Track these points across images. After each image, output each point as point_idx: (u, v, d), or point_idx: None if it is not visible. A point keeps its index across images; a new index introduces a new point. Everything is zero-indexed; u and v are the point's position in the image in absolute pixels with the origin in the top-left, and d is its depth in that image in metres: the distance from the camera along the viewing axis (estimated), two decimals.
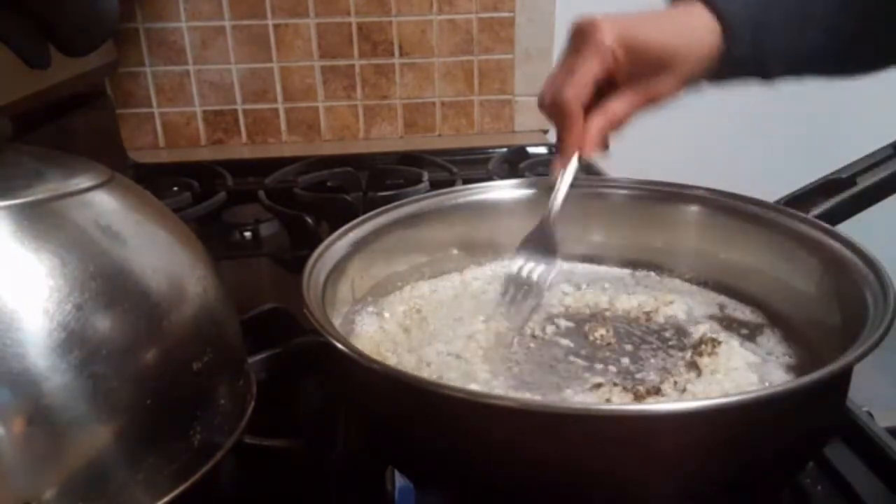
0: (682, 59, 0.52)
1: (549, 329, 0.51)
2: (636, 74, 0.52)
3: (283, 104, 1.08)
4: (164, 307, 0.35)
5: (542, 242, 0.54)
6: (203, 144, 1.09)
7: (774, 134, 1.15)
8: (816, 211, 0.53)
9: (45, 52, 0.42)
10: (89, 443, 0.31)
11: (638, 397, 0.43)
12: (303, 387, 0.50)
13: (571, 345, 0.49)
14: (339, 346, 0.38)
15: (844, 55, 0.55)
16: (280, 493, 0.42)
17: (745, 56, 0.53)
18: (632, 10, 0.53)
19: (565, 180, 0.54)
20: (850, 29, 0.53)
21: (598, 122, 0.53)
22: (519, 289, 0.54)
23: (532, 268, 0.54)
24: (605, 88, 0.53)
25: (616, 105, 0.53)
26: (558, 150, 0.55)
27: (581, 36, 0.52)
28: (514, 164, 0.95)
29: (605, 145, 0.55)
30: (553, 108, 0.53)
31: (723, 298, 0.54)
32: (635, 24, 0.52)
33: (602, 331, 0.50)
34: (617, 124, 0.54)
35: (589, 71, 0.52)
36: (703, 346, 0.47)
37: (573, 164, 0.54)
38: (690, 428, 0.34)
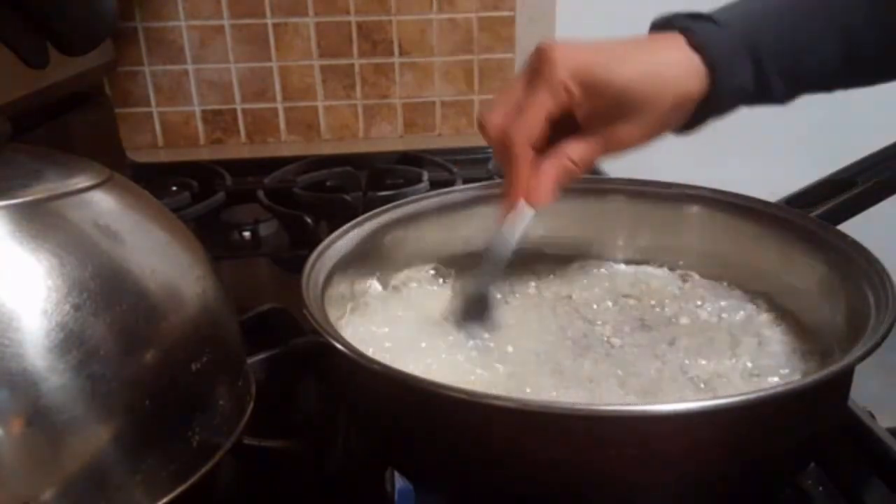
0: (653, 104, 0.43)
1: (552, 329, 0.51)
2: (597, 116, 0.44)
3: (282, 103, 1.08)
4: (162, 307, 0.34)
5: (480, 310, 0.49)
6: (202, 144, 1.09)
7: (774, 134, 1.15)
8: (817, 211, 0.53)
9: (44, 52, 0.42)
10: (88, 443, 0.31)
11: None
12: (302, 387, 0.50)
13: (575, 345, 0.49)
14: (339, 346, 0.38)
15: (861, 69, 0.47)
16: (279, 494, 0.42)
17: (744, 85, 0.45)
18: (618, 35, 0.44)
19: (514, 233, 0.46)
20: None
21: (550, 169, 0.45)
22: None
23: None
24: (566, 125, 0.45)
25: (571, 150, 0.45)
26: (503, 195, 0.46)
27: (535, 64, 0.44)
28: None
29: (556, 195, 0.46)
30: (499, 146, 0.45)
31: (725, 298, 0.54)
32: (598, 56, 0.43)
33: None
34: (572, 173, 0.45)
35: (540, 109, 0.43)
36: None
37: (525, 215, 0.45)
38: (691, 428, 0.34)
